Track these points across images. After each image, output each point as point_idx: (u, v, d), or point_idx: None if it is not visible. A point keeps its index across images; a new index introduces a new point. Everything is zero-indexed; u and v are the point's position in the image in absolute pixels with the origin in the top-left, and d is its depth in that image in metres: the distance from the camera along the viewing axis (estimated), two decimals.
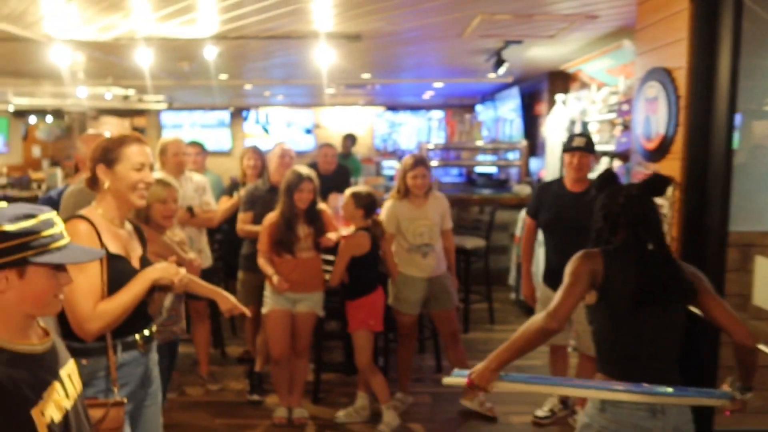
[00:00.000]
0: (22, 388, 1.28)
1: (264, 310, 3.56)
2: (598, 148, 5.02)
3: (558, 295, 1.89)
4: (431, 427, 3.63)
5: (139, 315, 1.98)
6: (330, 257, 3.64)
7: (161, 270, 1.97)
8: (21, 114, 12.22)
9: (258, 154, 4.50)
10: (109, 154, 1.98)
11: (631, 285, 1.84)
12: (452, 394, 3.88)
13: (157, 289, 2.01)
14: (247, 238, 3.96)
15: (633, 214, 1.92)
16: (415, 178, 3.63)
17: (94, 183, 2.02)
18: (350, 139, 8.77)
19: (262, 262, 3.50)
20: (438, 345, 4.35)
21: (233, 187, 4.54)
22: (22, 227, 1.31)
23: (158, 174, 2.74)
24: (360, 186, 4.16)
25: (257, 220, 3.76)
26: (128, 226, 2.09)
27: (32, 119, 12.57)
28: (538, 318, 1.87)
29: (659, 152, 2.84)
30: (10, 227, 1.29)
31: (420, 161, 3.67)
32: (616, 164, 4.59)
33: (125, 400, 1.88)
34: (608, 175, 2.09)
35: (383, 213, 3.72)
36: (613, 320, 1.90)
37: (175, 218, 2.97)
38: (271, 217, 3.49)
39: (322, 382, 3.99)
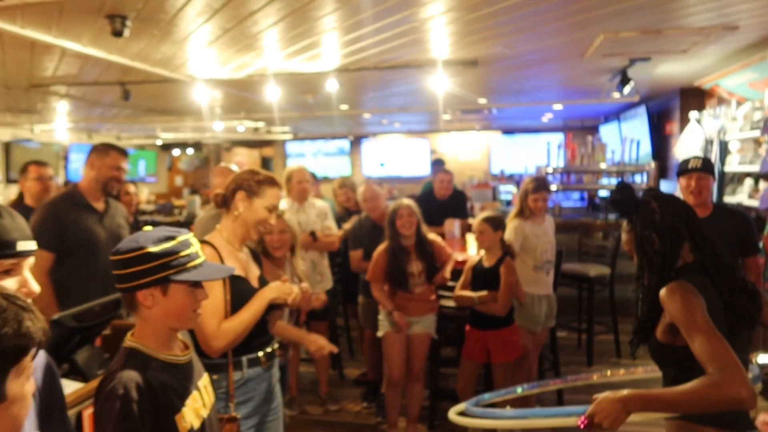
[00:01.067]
0: (170, 394, 1.40)
1: (380, 333, 3.62)
2: (740, 168, 4.62)
3: (713, 350, 1.45)
4: None
5: (260, 332, 2.09)
6: (451, 283, 3.65)
7: (276, 289, 2.08)
8: (167, 147, 13.55)
9: (349, 186, 4.81)
10: (254, 186, 2.12)
11: (721, 310, 1.59)
12: None
13: (273, 307, 2.11)
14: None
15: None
16: (536, 201, 3.73)
17: (224, 203, 2.16)
18: (440, 164, 8.70)
19: (377, 293, 3.57)
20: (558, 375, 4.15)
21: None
22: (164, 248, 1.44)
23: (283, 202, 2.93)
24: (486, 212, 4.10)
25: (367, 255, 3.89)
26: (245, 249, 2.22)
27: (176, 152, 13.88)
28: (722, 381, 1.40)
29: None
30: (154, 248, 1.42)
31: (542, 185, 3.78)
32: (762, 186, 4.17)
33: (238, 416, 1.98)
34: (628, 190, 1.79)
35: (509, 233, 3.70)
36: None
37: (296, 246, 3.12)
38: (380, 250, 3.56)
39: (438, 409, 3.94)
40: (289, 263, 3.10)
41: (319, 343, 2.43)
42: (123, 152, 3.14)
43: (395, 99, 7.40)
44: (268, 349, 2.14)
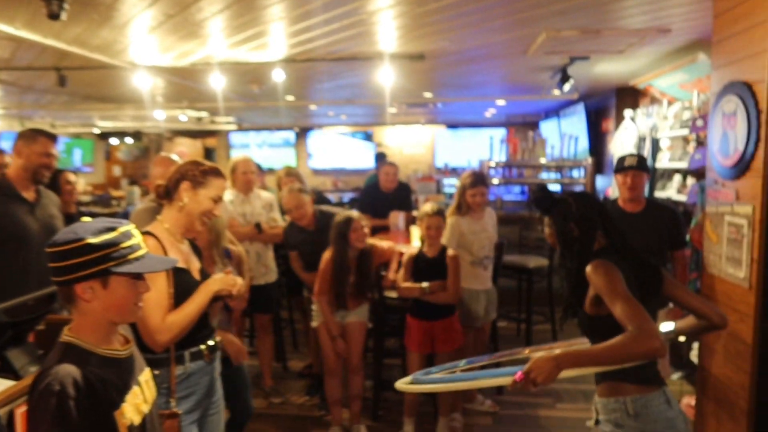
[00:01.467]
0: (109, 390, 1.37)
1: (314, 323, 3.62)
2: (670, 164, 4.85)
3: (631, 312, 1.66)
4: None
5: (203, 325, 2.06)
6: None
7: (220, 281, 2.06)
8: (104, 136, 13.03)
9: (296, 176, 4.66)
10: (199, 176, 2.08)
11: (633, 284, 1.82)
12: (512, 415, 3.78)
13: (216, 299, 2.09)
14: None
15: (603, 213, 1.96)
16: (474, 196, 3.71)
17: (167, 194, 2.10)
18: (383, 159, 8.68)
19: (324, 308, 3.52)
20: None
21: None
22: (104, 239, 1.39)
23: (228, 194, 2.87)
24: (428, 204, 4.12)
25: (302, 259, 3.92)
26: (186, 241, 2.18)
27: (114, 141, 13.34)
28: (639, 335, 1.61)
29: (737, 169, 2.70)
30: (94, 240, 1.38)
31: (480, 180, 3.74)
32: (690, 182, 4.40)
33: (180, 412, 1.95)
34: (546, 191, 2.05)
35: (447, 230, 3.71)
36: None
37: (219, 239, 3.07)
38: (326, 261, 3.47)
39: (381, 399, 3.98)
40: (220, 257, 3.02)
41: (236, 346, 2.60)
42: (52, 137, 3.01)
43: (342, 91, 7.38)
44: (211, 342, 2.11)
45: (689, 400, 3.41)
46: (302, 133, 13.28)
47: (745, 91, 2.64)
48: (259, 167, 4.95)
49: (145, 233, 2.01)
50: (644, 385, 1.81)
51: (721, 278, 2.86)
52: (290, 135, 13.29)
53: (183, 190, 2.06)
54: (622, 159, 3.36)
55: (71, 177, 4.09)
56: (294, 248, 3.96)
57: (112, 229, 1.42)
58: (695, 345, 3.24)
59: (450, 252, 3.51)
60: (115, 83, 6.27)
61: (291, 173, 4.70)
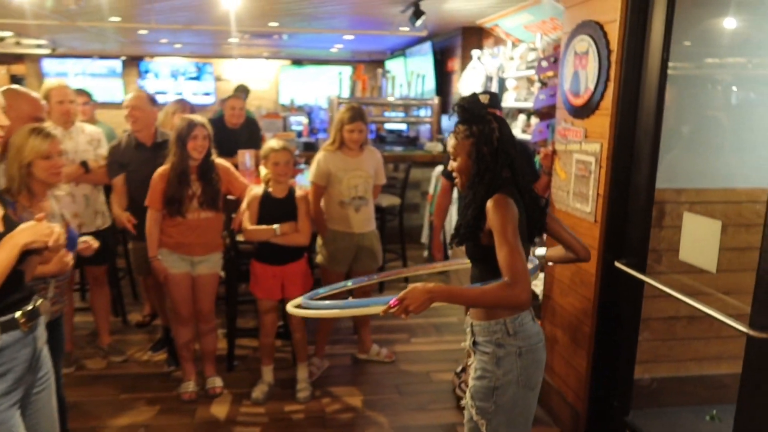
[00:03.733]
0: None
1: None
2: (516, 104, 5.04)
3: (513, 262, 1.70)
4: (354, 389, 3.54)
5: (15, 287, 1.68)
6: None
7: (30, 231, 1.62)
8: None
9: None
10: None
11: (525, 219, 1.89)
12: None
13: (29, 253, 1.67)
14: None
15: (515, 149, 1.95)
16: (352, 132, 3.46)
17: None
18: (244, 92, 8.16)
19: (150, 224, 3.18)
20: None
21: None
22: None
23: (38, 125, 2.34)
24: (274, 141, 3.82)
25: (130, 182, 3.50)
26: None
27: None
28: (511, 287, 1.68)
29: (587, 108, 2.81)
30: None
31: (359, 115, 3.47)
32: (534, 121, 4.60)
33: None
34: (479, 101, 1.97)
35: (314, 165, 3.51)
36: None
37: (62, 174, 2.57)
38: (160, 173, 3.16)
39: (236, 347, 3.77)
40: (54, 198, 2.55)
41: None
42: None
43: (178, 14, 6.62)
44: (29, 307, 1.73)
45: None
46: (131, 62, 11.95)
47: (597, 30, 2.71)
48: (88, 96, 4.30)
49: None
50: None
51: (568, 213, 3.02)
52: (116, 64, 11.89)
53: None
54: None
55: None
56: (120, 169, 3.51)
57: None
58: (540, 276, 3.43)
59: (299, 192, 3.32)
60: None
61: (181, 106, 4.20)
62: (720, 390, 3.02)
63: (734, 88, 3.23)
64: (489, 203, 1.82)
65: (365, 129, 3.52)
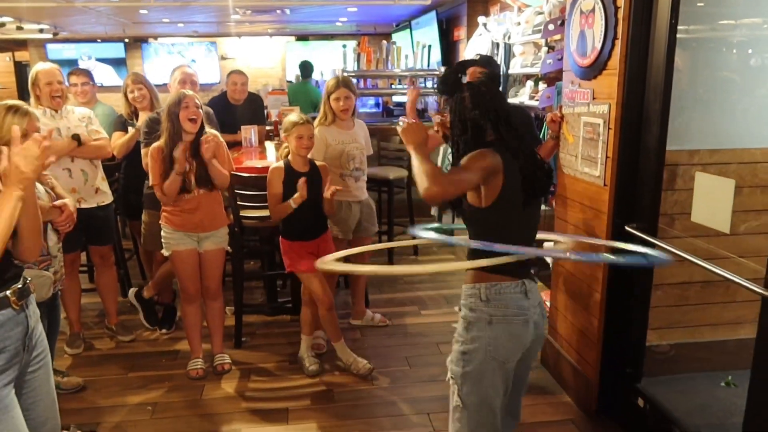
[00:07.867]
0: None
1: (165, 252, 3.24)
2: (523, 70, 4.91)
3: (457, 176, 1.84)
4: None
5: (5, 266, 1.64)
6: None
7: (20, 157, 1.48)
8: None
9: (144, 82, 4.12)
10: None
11: (519, 184, 1.87)
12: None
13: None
14: None
15: (498, 113, 1.93)
16: (337, 100, 3.48)
17: None
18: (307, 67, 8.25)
19: (161, 196, 3.15)
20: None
21: (122, 125, 4.03)
22: None
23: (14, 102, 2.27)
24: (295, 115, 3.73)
25: None
26: None
27: None
28: (440, 177, 1.81)
29: (594, 68, 2.71)
30: None
31: (343, 83, 3.48)
32: (542, 87, 4.48)
33: None
34: (455, 73, 2.03)
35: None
36: (507, 219, 1.89)
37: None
38: (156, 147, 3.10)
39: (244, 324, 3.76)
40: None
41: None
42: None
43: None
44: (19, 285, 1.68)
45: (543, 297, 3.59)
46: (133, 43, 11.87)
47: None
48: (89, 77, 4.23)
49: None
50: (501, 275, 1.89)
51: (576, 178, 2.93)
52: (119, 47, 11.81)
53: None
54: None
55: None
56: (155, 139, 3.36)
57: None
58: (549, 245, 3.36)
59: (319, 162, 3.32)
60: None
61: (138, 79, 4.14)
62: (736, 355, 2.95)
63: (749, 50, 3.11)
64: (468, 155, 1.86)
65: (351, 96, 3.51)
